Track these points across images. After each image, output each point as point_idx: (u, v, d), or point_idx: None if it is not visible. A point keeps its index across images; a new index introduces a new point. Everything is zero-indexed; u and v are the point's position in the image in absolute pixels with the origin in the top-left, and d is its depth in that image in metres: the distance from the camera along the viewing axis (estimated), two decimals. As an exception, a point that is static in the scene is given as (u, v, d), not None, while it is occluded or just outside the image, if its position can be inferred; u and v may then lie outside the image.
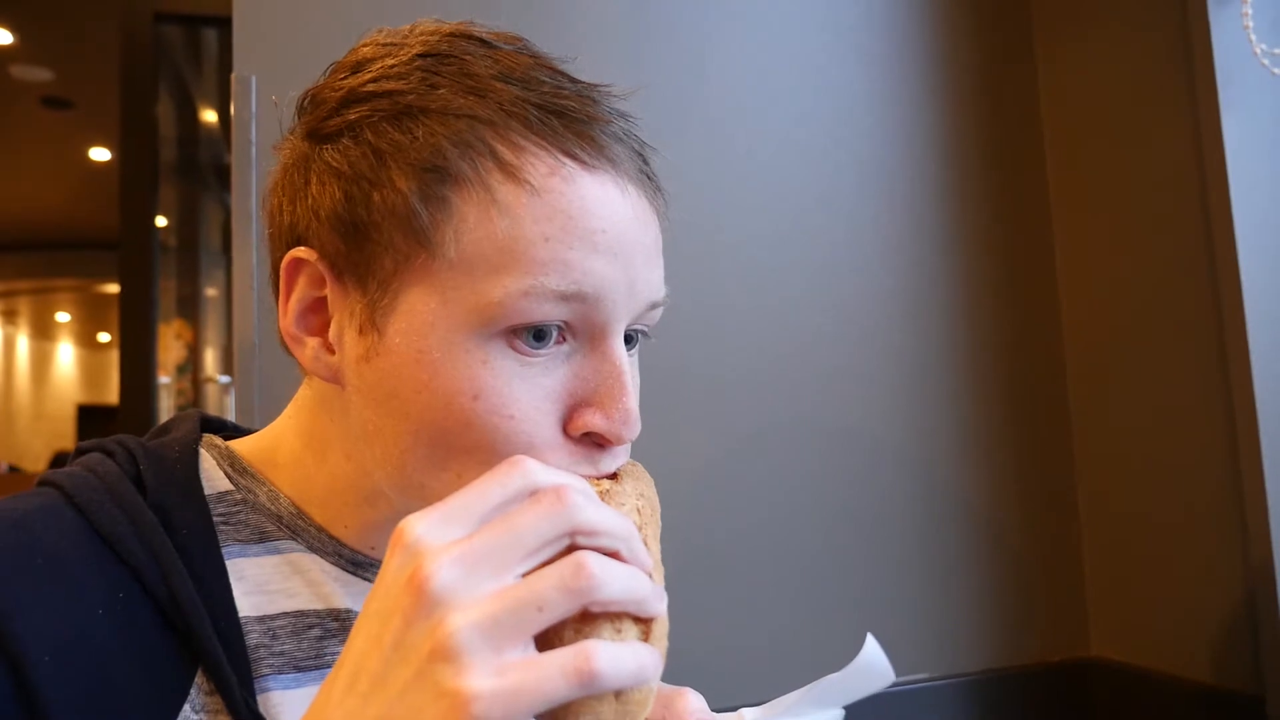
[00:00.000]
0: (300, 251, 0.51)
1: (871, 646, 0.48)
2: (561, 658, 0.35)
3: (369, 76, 0.50)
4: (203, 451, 0.57)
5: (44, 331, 9.33)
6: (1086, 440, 1.36)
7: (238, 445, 0.58)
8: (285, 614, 0.53)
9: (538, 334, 0.47)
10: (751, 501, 1.22)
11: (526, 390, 0.47)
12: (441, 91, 0.48)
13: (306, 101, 0.53)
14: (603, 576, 0.37)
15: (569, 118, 0.48)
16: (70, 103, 4.91)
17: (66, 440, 8.76)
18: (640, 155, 0.52)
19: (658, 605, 0.40)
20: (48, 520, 0.49)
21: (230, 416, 0.66)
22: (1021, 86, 1.42)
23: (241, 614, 0.52)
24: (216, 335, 4.06)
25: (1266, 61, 1.09)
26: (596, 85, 0.52)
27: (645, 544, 0.44)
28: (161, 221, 3.55)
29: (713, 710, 0.53)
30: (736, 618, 1.19)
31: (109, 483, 0.51)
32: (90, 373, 9.56)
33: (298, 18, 1.10)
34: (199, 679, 0.49)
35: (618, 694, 0.38)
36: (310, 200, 0.50)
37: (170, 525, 0.51)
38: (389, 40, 0.52)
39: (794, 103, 1.29)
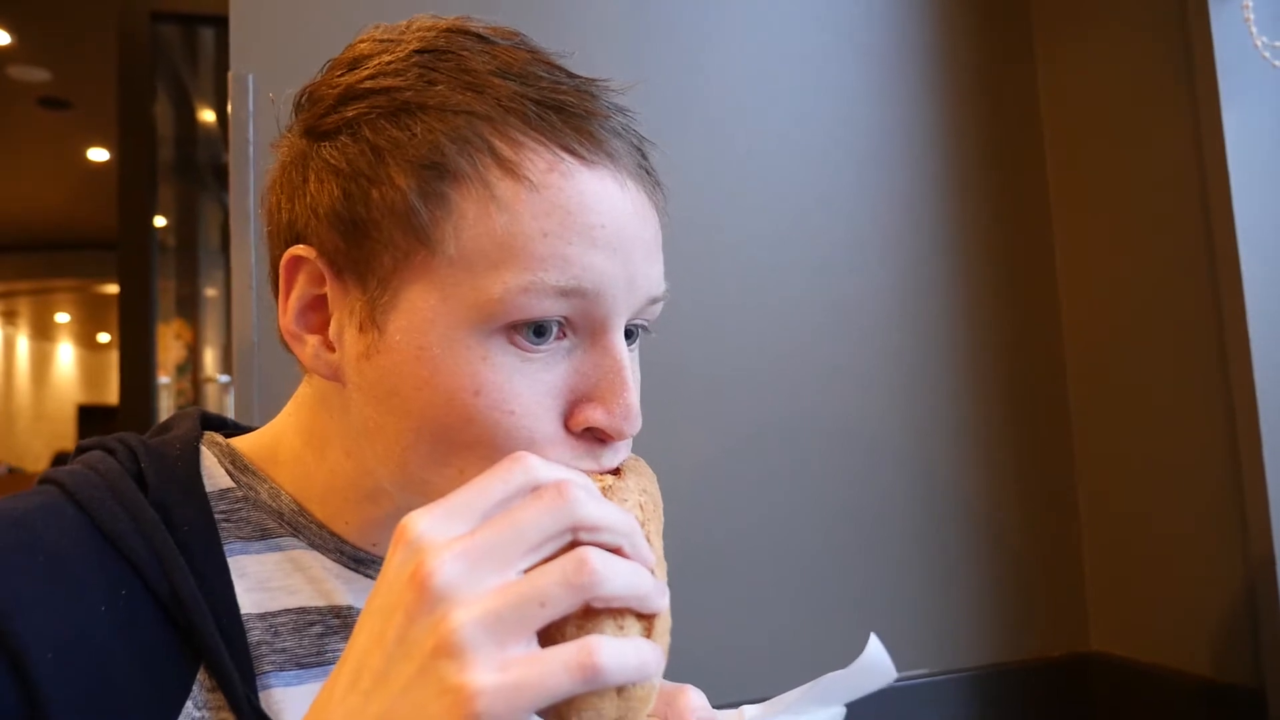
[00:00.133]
0: (299, 249, 0.50)
1: (874, 645, 0.48)
2: (564, 653, 0.35)
3: (366, 73, 0.50)
4: (204, 449, 0.57)
5: (44, 332, 9.33)
6: (1086, 435, 1.36)
7: (238, 443, 0.58)
8: (287, 611, 0.53)
9: (538, 329, 0.47)
10: (752, 499, 1.22)
11: (527, 386, 0.47)
12: (439, 88, 0.48)
13: (304, 99, 0.53)
14: (605, 572, 0.37)
15: (567, 113, 0.48)
16: (68, 103, 4.90)
17: (67, 441, 8.76)
18: (639, 150, 0.52)
19: (660, 601, 0.40)
20: (49, 518, 0.49)
21: (230, 416, 0.66)
22: (1021, 84, 1.41)
23: (243, 611, 0.52)
24: (216, 335, 4.06)
25: (1268, 54, 1.09)
26: (594, 80, 0.52)
27: (648, 539, 0.44)
28: (160, 221, 3.55)
29: (714, 707, 0.53)
30: (737, 615, 1.19)
31: (110, 480, 0.51)
32: (90, 373, 9.57)
33: (294, 15, 1.10)
34: (201, 676, 0.49)
35: (620, 690, 0.38)
36: (309, 198, 0.50)
37: (171, 522, 0.51)
38: (386, 36, 0.52)
39: (794, 102, 1.29)
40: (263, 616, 0.52)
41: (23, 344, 9.15)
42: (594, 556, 0.37)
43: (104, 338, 9.51)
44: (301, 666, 0.53)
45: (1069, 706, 1.31)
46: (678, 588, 0.54)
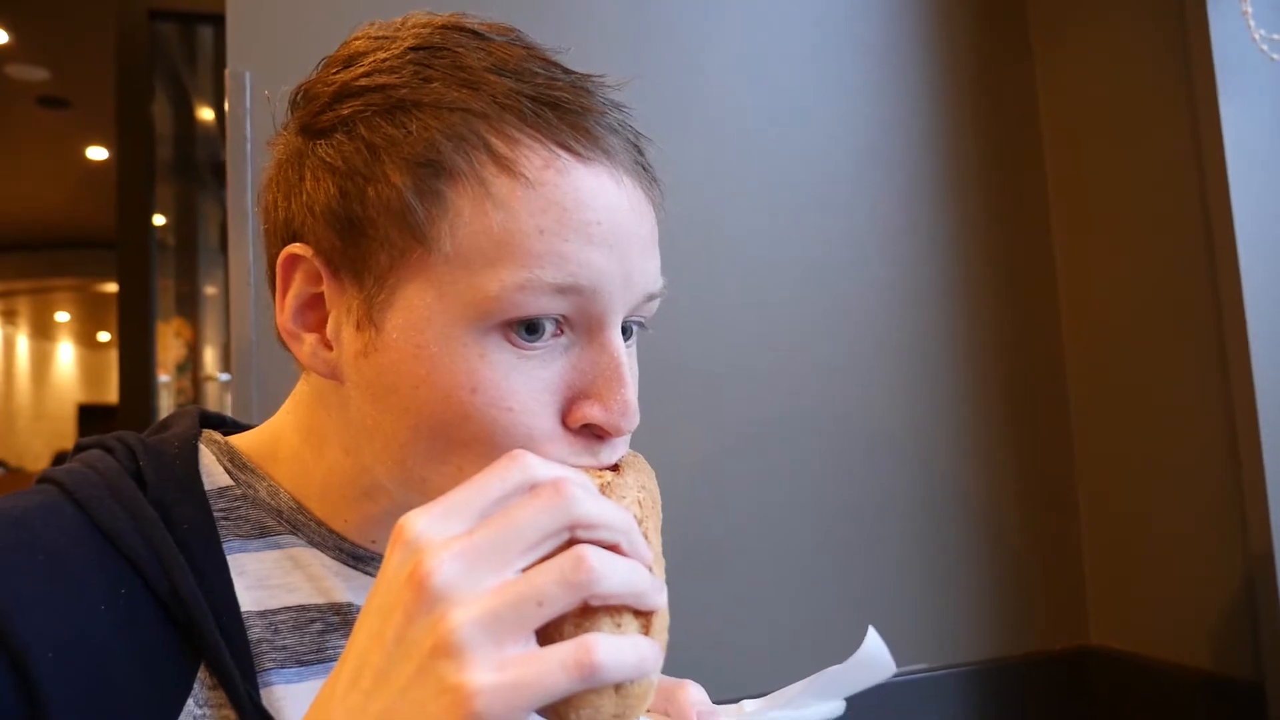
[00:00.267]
0: (296, 248, 0.50)
1: (873, 639, 0.48)
2: (562, 651, 0.35)
3: (361, 71, 0.50)
4: (202, 447, 0.57)
5: (44, 331, 9.32)
6: (1086, 431, 1.36)
7: (237, 440, 0.58)
8: (287, 609, 0.53)
9: (530, 326, 0.47)
10: (750, 496, 1.22)
11: (524, 383, 0.47)
12: (434, 85, 0.48)
13: (299, 96, 0.53)
14: (602, 570, 0.37)
15: (563, 109, 0.48)
16: (67, 102, 4.90)
17: (67, 440, 8.75)
18: (635, 146, 0.52)
19: (657, 598, 0.40)
20: (48, 517, 0.49)
21: (229, 412, 0.66)
22: (1019, 82, 1.41)
23: (243, 609, 0.52)
24: (216, 333, 4.06)
25: (1266, 48, 1.08)
26: (590, 76, 0.52)
27: (646, 537, 0.44)
28: (159, 220, 3.55)
29: (713, 702, 0.53)
30: (737, 612, 1.19)
31: (109, 479, 0.51)
32: (90, 372, 9.56)
33: (291, 13, 1.10)
34: (202, 674, 0.49)
35: (618, 687, 0.38)
36: (305, 196, 0.50)
37: (171, 521, 0.51)
38: (381, 33, 0.52)
39: (792, 99, 1.29)
40: (263, 614, 0.52)
41: (22, 343, 9.15)
42: (591, 554, 0.37)
43: (104, 336, 9.50)
44: (302, 664, 0.53)
45: (1069, 701, 1.31)
46: (676, 584, 0.54)
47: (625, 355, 0.50)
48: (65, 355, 9.62)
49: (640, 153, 0.52)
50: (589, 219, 0.47)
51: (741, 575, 1.21)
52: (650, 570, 0.41)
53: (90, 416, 9.09)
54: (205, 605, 0.49)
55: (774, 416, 1.24)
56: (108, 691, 0.45)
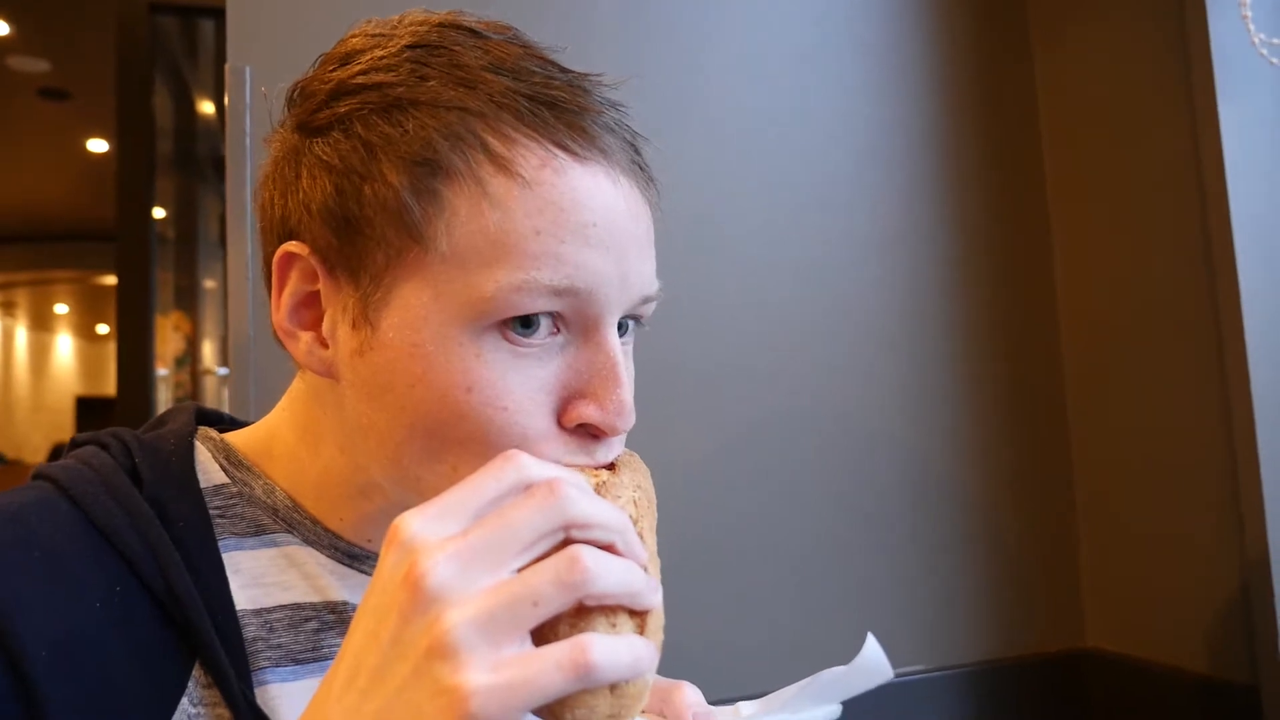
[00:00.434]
0: (292, 246, 0.50)
1: (872, 645, 0.48)
2: (557, 652, 0.35)
3: (358, 69, 0.50)
4: (198, 444, 0.57)
5: (42, 323, 9.31)
6: (1083, 432, 1.36)
7: (233, 438, 0.58)
8: (282, 607, 0.53)
9: (525, 321, 0.47)
10: (748, 495, 1.22)
11: (520, 382, 0.47)
12: (431, 83, 0.48)
13: (296, 94, 0.53)
14: (597, 570, 0.37)
15: (560, 108, 0.48)
16: (67, 94, 4.88)
17: (65, 432, 8.74)
18: (632, 146, 0.51)
19: (652, 598, 0.40)
20: (43, 514, 0.49)
21: (226, 407, 0.66)
22: (1019, 81, 1.41)
23: (238, 607, 0.52)
24: (215, 327, 4.05)
25: (1265, 51, 1.08)
26: (587, 75, 0.52)
27: (641, 536, 0.44)
28: (159, 213, 3.54)
29: (709, 704, 0.53)
30: (733, 611, 1.20)
31: (104, 475, 0.51)
32: (89, 365, 9.55)
33: (291, 8, 1.10)
34: (197, 672, 0.49)
35: (613, 687, 0.38)
36: (301, 194, 0.50)
37: (166, 518, 0.51)
38: (378, 31, 0.52)
39: (791, 98, 1.29)
40: (258, 612, 0.52)
41: (21, 335, 9.14)
42: (586, 554, 0.37)
43: (103, 329, 9.49)
44: (297, 662, 0.53)
45: (1065, 703, 1.31)
46: (672, 584, 0.54)
47: (621, 354, 0.50)
48: (64, 347, 9.61)
49: (637, 152, 0.52)
50: (585, 219, 0.47)
51: (737, 575, 1.21)
52: (645, 570, 0.41)
53: (88, 409, 9.08)
54: (200, 603, 0.49)
55: (770, 416, 1.24)
56: (104, 690, 0.45)
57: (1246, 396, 1.11)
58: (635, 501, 0.48)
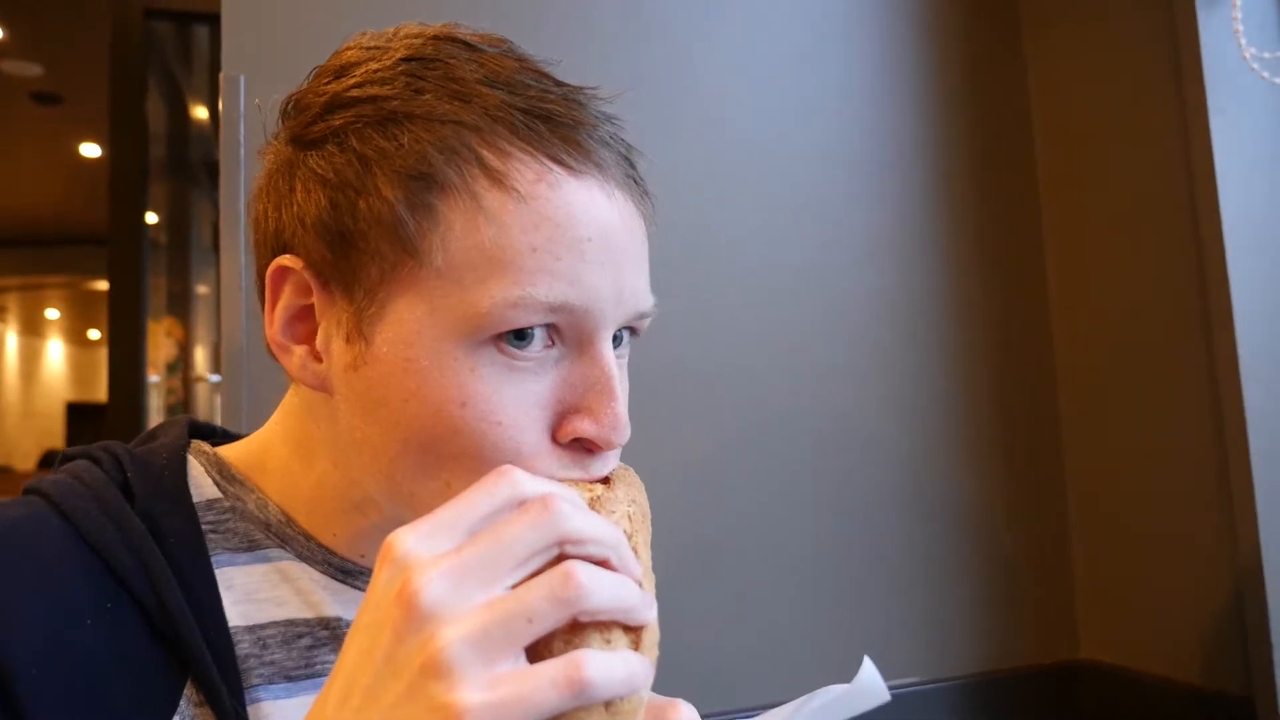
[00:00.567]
0: (286, 260, 0.50)
1: (868, 668, 0.48)
2: (552, 669, 0.35)
3: (353, 81, 0.50)
4: (191, 458, 0.56)
5: (33, 328, 9.27)
6: (1076, 443, 1.36)
7: (226, 451, 0.58)
8: (275, 623, 0.53)
9: (519, 334, 0.47)
10: (741, 504, 1.22)
11: (514, 396, 0.47)
12: (426, 97, 0.48)
13: (290, 106, 0.53)
14: (591, 586, 0.37)
15: (555, 122, 0.48)
16: (60, 98, 4.87)
17: (56, 438, 8.70)
18: (627, 159, 0.51)
19: (647, 613, 0.40)
20: (34, 529, 0.48)
21: (218, 416, 0.65)
22: (1012, 90, 1.42)
23: (231, 623, 0.51)
24: (207, 333, 4.04)
25: (1256, 65, 1.09)
26: (583, 88, 0.52)
27: (635, 551, 0.44)
28: (152, 218, 3.53)
29: (703, 718, 0.53)
30: (727, 622, 1.19)
31: (96, 490, 0.51)
32: (80, 370, 9.51)
33: (286, 17, 1.09)
34: (189, 689, 0.48)
35: (608, 704, 0.38)
36: (296, 207, 0.50)
37: (158, 533, 0.51)
38: (373, 44, 0.52)
39: (782, 103, 1.29)
40: (250, 629, 0.52)
41: (11, 340, 9.09)
42: (580, 570, 0.37)
43: (94, 335, 9.45)
44: (290, 679, 0.52)
45: (1059, 715, 1.31)
46: (667, 594, 0.54)
47: (616, 368, 0.50)
48: (55, 353, 9.57)
49: (632, 166, 0.52)
50: (581, 235, 0.47)
51: (731, 584, 1.20)
52: (640, 585, 0.41)
53: (79, 415, 9.03)
54: (193, 620, 0.49)
55: (763, 423, 1.24)
56: (93, 707, 0.45)
57: (1239, 406, 1.11)
58: (630, 516, 0.48)
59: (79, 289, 8.40)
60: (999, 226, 1.38)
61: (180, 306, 3.83)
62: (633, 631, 0.40)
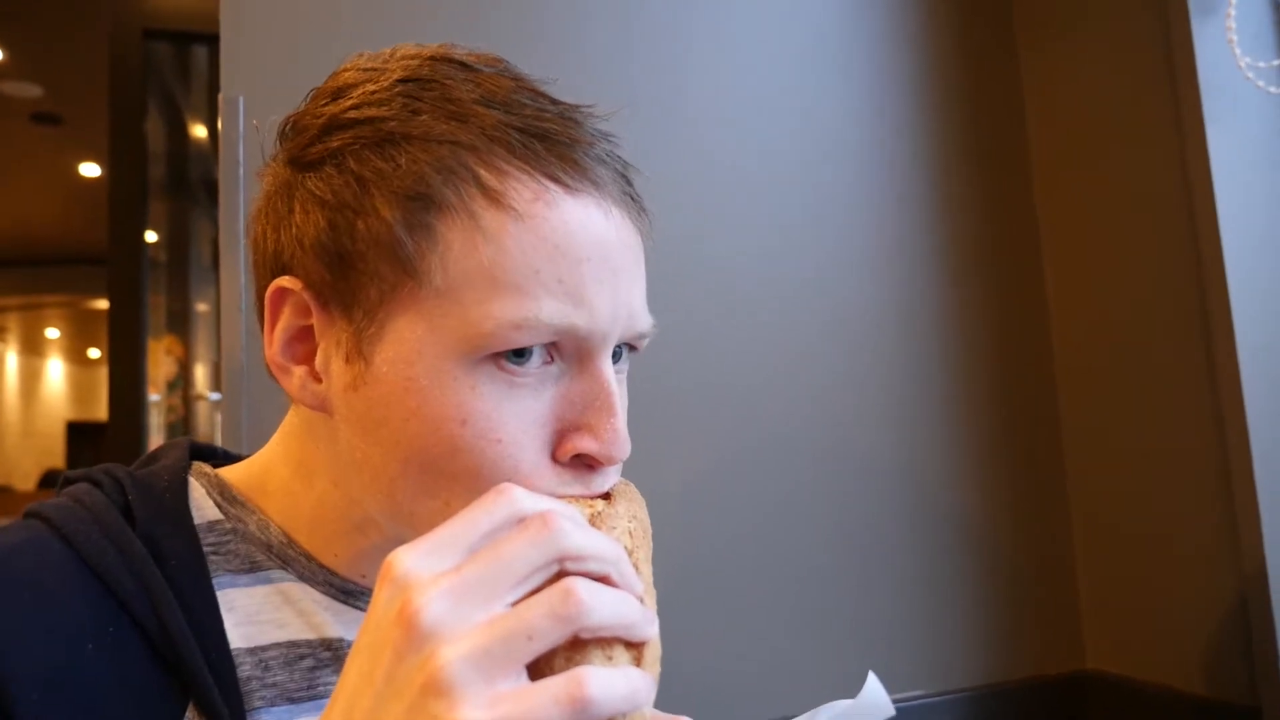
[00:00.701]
0: (285, 281, 0.50)
1: (873, 683, 0.48)
2: (554, 686, 0.35)
3: (350, 103, 0.50)
4: (192, 480, 0.56)
5: (33, 348, 9.27)
6: (1078, 453, 1.36)
7: (227, 473, 0.58)
8: (277, 645, 0.53)
9: (519, 351, 0.47)
10: (742, 519, 1.22)
11: (514, 413, 0.47)
12: (423, 118, 0.48)
13: (288, 128, 0.53)
14: (591, 602, 0.36)
15: (551, 140, 0.48)
16: (60, 118, 4.90)
17: (56, 458, 8.69)
18: (623, 177, 0.52)
19: (648, 629, 0.40)
20: (35, 553, 0.48)
21: (218, 435, 0.66)
22: (1008, 100, 1.42)
23: (232, 646, 0.51)
24: (208, 351, 4.04)
25: (1251, 74, 1.10)
26: (578, 106, 0.52)
27: (636, 567, 0.44)
28: (151, 236, 3.54)
29: (707, 733, 0.52)
30: (729, 637, 1.19)
31: (96, 513, 0.51)
32: (80, 389, 9.50)
33: (285, 38, 1.10)
34: (190, 712, 0.48)
35: None
36: (294, 229, 0.50)
37: (160, 555, 0.51)
38: (369, 65, 0.52)
39: (777, 118, 1.30)
40: (252, 651, 0.52)
41: (12, 360, 9.09)
42: (580, 587, 0.36)
43: (94, 353, 9.45)
44: (293, 701, 0.52)
45: (1064, 725, 1.31)
46: (668, 610, 0.54)
47: (615, 384, 0.50)
48: (55, 372, 9.57)
49: (628, 183, 0.52)
50: (580, 255, 0.47)
51: (733, 599, 1.20)
52: (641, 601, 0.41)
53: (79, 434, 9.02)
54: (194, 643, 0.49)
55: (764, 438, 1.24)
56: None
57: (1240, 413, 1.11)
58: (630, 532, 0.48)
59: (79, 308, 8.41)
60: (996, 236, 1.39)
61: (180, 325, 3.83)
62: (634, 647, 0.40)
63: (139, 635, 0.48)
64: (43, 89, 4.54)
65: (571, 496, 0.49)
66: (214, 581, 0.52)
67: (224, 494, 0.56)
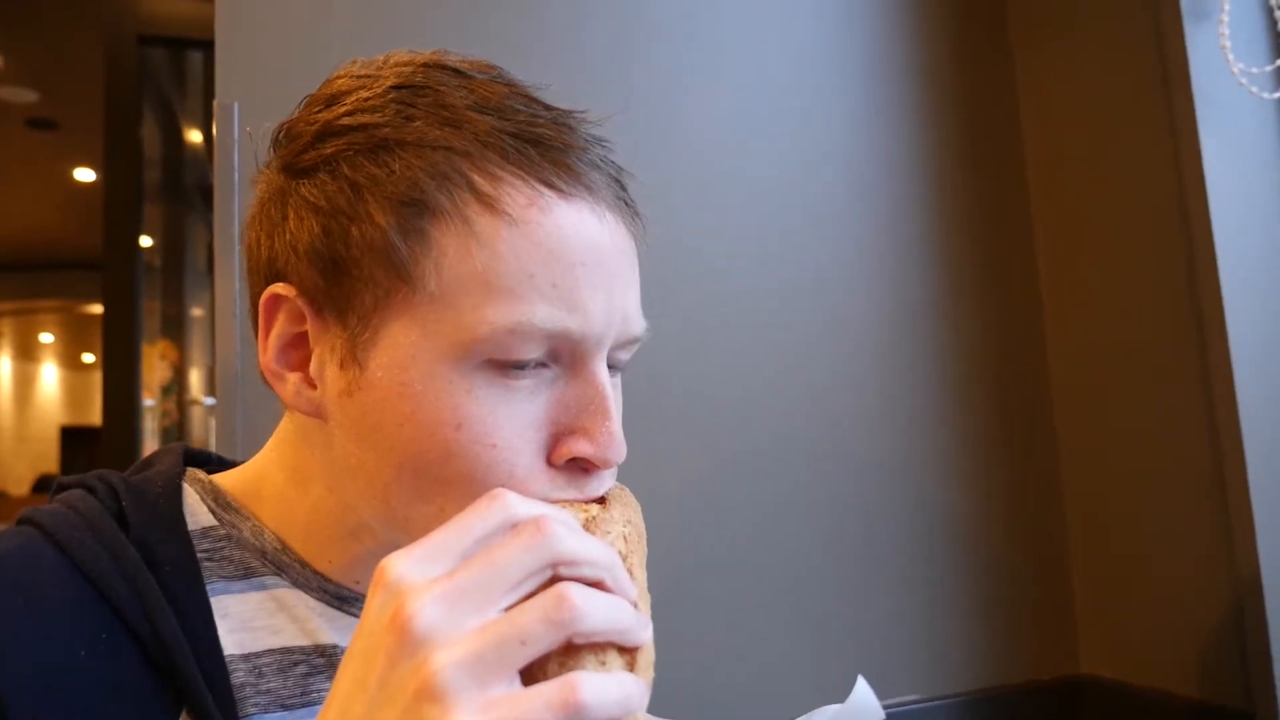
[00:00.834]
0: (279, 288, 0.50)
1: (862, 687, 0.48)
2: (547, 691, 0.35)
3: (344, 110, 0.50)
4: (186, 486, 0.56)
5: (27, 352, 9.24)
6: (1073, 457, 1.36)
7: (221, 479, 0.57)
8: (270, 651, 0.53)
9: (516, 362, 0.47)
10: (737, 523, 1.22)
11: (509, 417, 0.47)
12: (417, 124, 0.48)
13: (281, 135, 0.53)
14: (585, 607, 0.36)
15: (545, 146, 0.48)
16: (55, 124, 4.89)
17: (50, 463, 8.66)
18: (617, 181, 0.52)
19: (641, 634, 0.40)
20: (28, 559, 0.48)
21: (213, 440, 0.65)
22: (1003, 107, 1.43)
23: (226, 652, 0.51)
24: (202, 356, 4.03)
25: (1244, 80, 1.10)
26: (572, 112, 0.52)
27: (630, 572, 0.44)
28: (146, 241, 3.54)
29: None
30: (723, 642, 1.19)
31: (90, 519, 0.51)
32: (74, 394, 9.47)
33: (280, 45, 1.10)
34: (184, 719, 0.48)
35: None
36: (288, 235, 0.50)
37: (153, 562, 0.50)
38: (363, 72, 0.52)
39: (772, 123, 1.30)
40: (246, 657, 0.52)
41: (5, 365, 9.06)
42: (573, 592, 0.37)
43: (88, 358, 9.43)
44: (286, 708, 0.52)
45: (1059, 729, 1.31)
46: (662, 615, 0.54)
47: (610, 388, 0.50)
48: (49, 377, 9.54)
49: (622, 188, 0.52)
50: (574, 260, 0.47)
51: (727, 604, 1.20)
52: (635, 606, 0.41)
53: (73, 439, 8.99)
54: (188, 649, 0.49)
55: (760, 442, 1.24)
56: None
57: (1235, 419, 1.11)
58: (625, 537, 0.48)
59: (73, 313, 8.39)
60: (992, 242, 1.39)
61: (175, 330, 3.82)
62: (628, 652, 0.40)
63: (132, 641, 0.48)
64: (38, 94, 4.54)
65: (566, 501, 0.49)
66: (208, 587, 0.52)
67: (218, 500, 0.56)
